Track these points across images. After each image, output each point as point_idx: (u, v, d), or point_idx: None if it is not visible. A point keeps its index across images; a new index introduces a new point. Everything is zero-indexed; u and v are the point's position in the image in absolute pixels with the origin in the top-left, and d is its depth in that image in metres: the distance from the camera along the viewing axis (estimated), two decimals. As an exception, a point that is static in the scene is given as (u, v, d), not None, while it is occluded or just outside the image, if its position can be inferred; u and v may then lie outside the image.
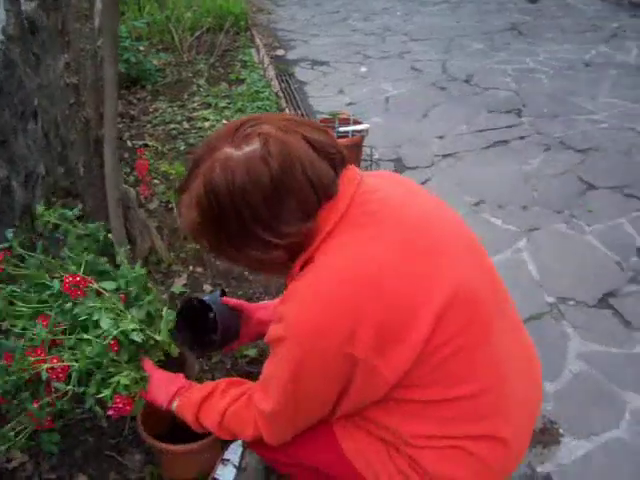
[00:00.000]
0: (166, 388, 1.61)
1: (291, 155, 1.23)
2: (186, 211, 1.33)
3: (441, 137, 4.35)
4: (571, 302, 2.77)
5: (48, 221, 1.97)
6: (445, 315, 1.26)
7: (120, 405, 1.55)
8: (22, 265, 1.75)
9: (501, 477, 1.49)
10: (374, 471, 1.45)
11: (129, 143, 3.89)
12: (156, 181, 3.35)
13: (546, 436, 2.15)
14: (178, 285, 2.60)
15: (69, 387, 1.55)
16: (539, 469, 2.05)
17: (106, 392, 1.56)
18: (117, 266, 1.87)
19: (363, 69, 5.67)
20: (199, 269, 2.76)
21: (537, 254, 3.09)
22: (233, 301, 1.88)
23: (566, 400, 2.29)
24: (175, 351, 1.72)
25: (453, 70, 5.49)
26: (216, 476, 1.86)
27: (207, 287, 2.65)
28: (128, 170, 3.41)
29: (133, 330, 1.61)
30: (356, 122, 3.73)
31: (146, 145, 3.85)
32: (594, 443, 2.14)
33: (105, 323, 1.59)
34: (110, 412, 1.56)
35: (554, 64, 5.47)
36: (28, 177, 2.99)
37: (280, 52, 6.13)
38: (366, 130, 3.64)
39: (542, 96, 4.85)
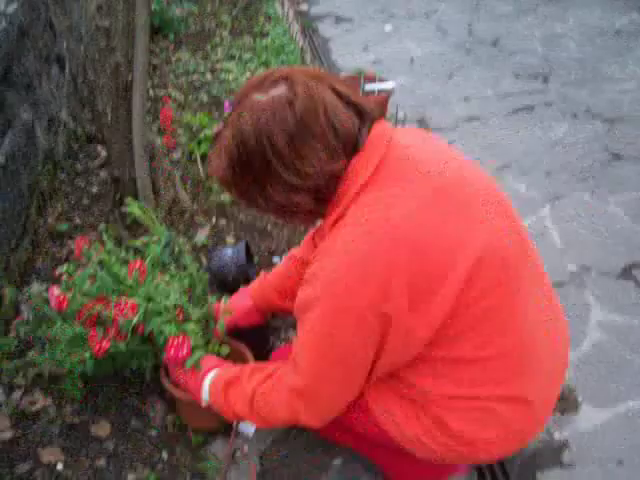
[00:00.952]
0: (208, 360, 1.64)
1: (315, 98, 1.24)
2: (215, 159, 1.35)
3: (466, 100, 4.28)
4: (594, 272, 2.75)
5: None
6: (476, 272, 1.25)
7: (181, 343, 1.60)
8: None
9: (525, 440, 1.51)
10: (400, 429, 1.47)
11: (151, 92, 3.85)
12: (179, 131, 3.32)
13: (565, 403, 2.16)
14: (201, 236, 2.59)
15: (135, 319, 1.65)
16: (557, 435, 2.06)
17: (172, 327, 1.63)
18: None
19: (388, 28, 5.56)
20: (222, 221, 2.74)
21: (560, 222, 3.06)
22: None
23: (586, 368, 2.29)
24: (225, 351, 1.78)
25: (479, 33, 5.38)
26: (239, 428, 1.88)
27: (230, 239, 2.64)
28: (150, 120, 3.38)
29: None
30: (381, 80, 3.67)
31: (169, 95, 3.81)
32: (612, 412, 2.15)
33: (172, 295, 1.72)
34: (169, 349, 1.60)
35: (583, 30, 5.35)
36: (51, 123, 2.98)
37: (303, 7, 6.01)
38: (392, 89, 3.58)
39: (570, 63, 4.75)
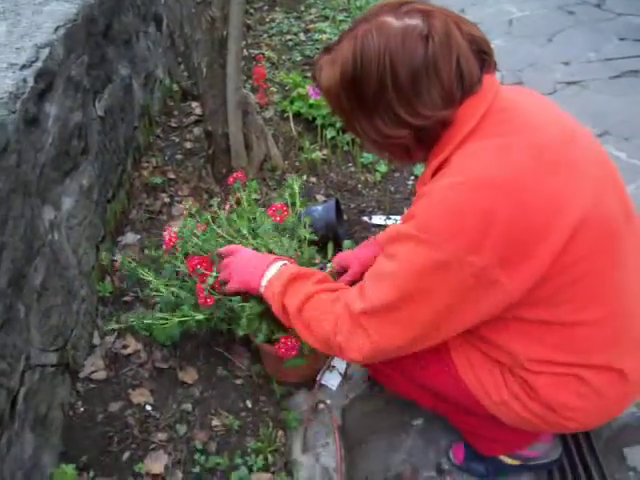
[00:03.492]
0: (267, 257, 1.62)
1: (451, 42, 1.19)
2: (328, 68, 1.31)
3: (566, 63, 4.12)
4: (697, 243, 2.61)
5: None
6: (577, 234, 1.20)
7: (292, 346, 1.65)
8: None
9: (614, 412, 1.46)
10: (485, 390, 1.44)
11: (245, 52, 3.87)
12: (273, 89, 3.33)
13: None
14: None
15: None
16: (649, 410, 1.99)
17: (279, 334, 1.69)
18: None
19: (487, -11, 5.41)
20: (313, 179, 2.75)
21: (663, 192, 2.92)
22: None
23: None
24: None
25: (583, -7, 5.16)
26: (322, 381, 1.89)
27: (320, 197, 2.65)
28: (244, 78, 3.40)
29: None
30: (479, 42, 3.57)
31: (262, 54, 3.83)
32: None
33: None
34: (282, 346, 1.65)
35: (697, -9, 5.05)
36: (147, 79, 3.05)
37: (400, -33, 5.90)
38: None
39: (682, 25, 4.51)
